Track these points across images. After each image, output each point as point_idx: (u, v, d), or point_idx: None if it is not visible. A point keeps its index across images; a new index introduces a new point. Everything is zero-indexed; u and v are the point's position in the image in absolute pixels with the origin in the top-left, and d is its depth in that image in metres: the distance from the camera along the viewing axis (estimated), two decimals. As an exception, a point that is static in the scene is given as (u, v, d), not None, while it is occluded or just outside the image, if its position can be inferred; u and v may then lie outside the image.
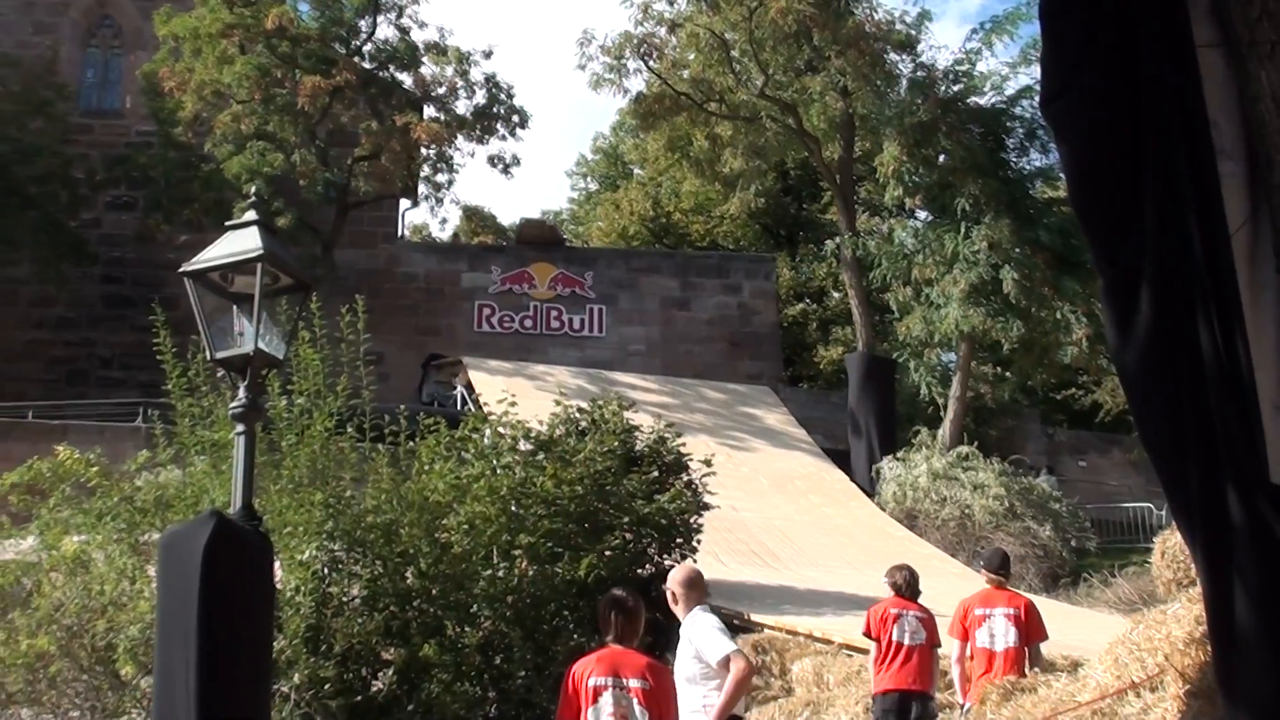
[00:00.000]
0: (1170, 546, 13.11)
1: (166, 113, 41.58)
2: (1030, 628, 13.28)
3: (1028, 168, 39.37)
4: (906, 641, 13.36)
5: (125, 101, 47.53)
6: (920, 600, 13.68)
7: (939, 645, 13.39)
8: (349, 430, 15.84)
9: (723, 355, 46.43)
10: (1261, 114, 4.68)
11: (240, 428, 9.16)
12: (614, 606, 8.97)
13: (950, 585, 23.17)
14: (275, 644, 12.07)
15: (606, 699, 8.55)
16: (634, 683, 8.53)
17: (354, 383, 16.24)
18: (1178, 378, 4.87)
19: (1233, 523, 4.75)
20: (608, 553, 16.01)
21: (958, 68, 39.87)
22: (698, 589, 10.00)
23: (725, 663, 9.33)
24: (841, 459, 38.74)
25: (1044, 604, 18.85)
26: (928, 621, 13.35)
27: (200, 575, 7.99)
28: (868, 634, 13.75)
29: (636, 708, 8.48)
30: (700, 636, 9.57)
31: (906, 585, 13.79)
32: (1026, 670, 13.01)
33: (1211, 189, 4.92)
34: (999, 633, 13.30)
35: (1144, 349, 4.99)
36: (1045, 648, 13.96)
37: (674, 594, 10.01)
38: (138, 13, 47.29)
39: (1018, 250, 34.95)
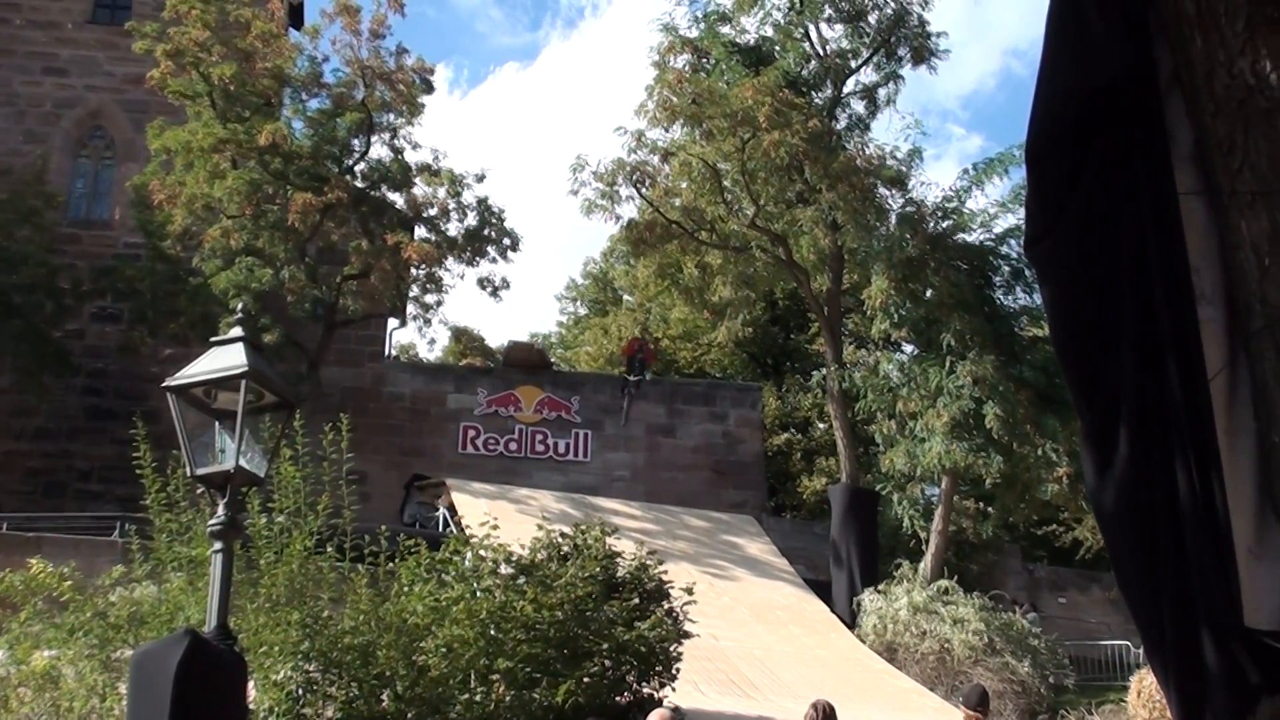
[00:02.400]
0: (1146, 686, 13.13)
1: (155, 225, 41.46)
2: None
3: (1013, 305, 39.67)
4: None
5: (114, 213, 47.72)
6: None
7: None
8: (329, 550, 15.79)
9: (707, 483, 46.38)
10: (1241, 262, 4.74)
11: (218, 545, 9.13)
12: None
13: (929, 720, 23.06)
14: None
15: None
16: None
17: (335, 502, 16.21)
18: (1154, 520, 4.90)
19: (1207, 665, 4.77)
20: (586, 679, 15.93)
21: (947, 204, 40.22)
22: None
23: None
24: (823, 590, 38.65)
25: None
26: None
27: (171, 694, 7.94)
28: None
29: None
30: None
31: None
32: None
33: (1191, 334, 4.97)
34: None
35: (1120, 491, 5.02)
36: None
37: None
38: (130, 124, 47.53)
39: (1001, 386, 35.10)
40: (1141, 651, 31.41)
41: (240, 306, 10.61)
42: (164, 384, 9.57)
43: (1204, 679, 4.82)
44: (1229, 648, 4.72)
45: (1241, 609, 4.79)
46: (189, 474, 9.64)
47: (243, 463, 9.25)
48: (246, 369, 9.23)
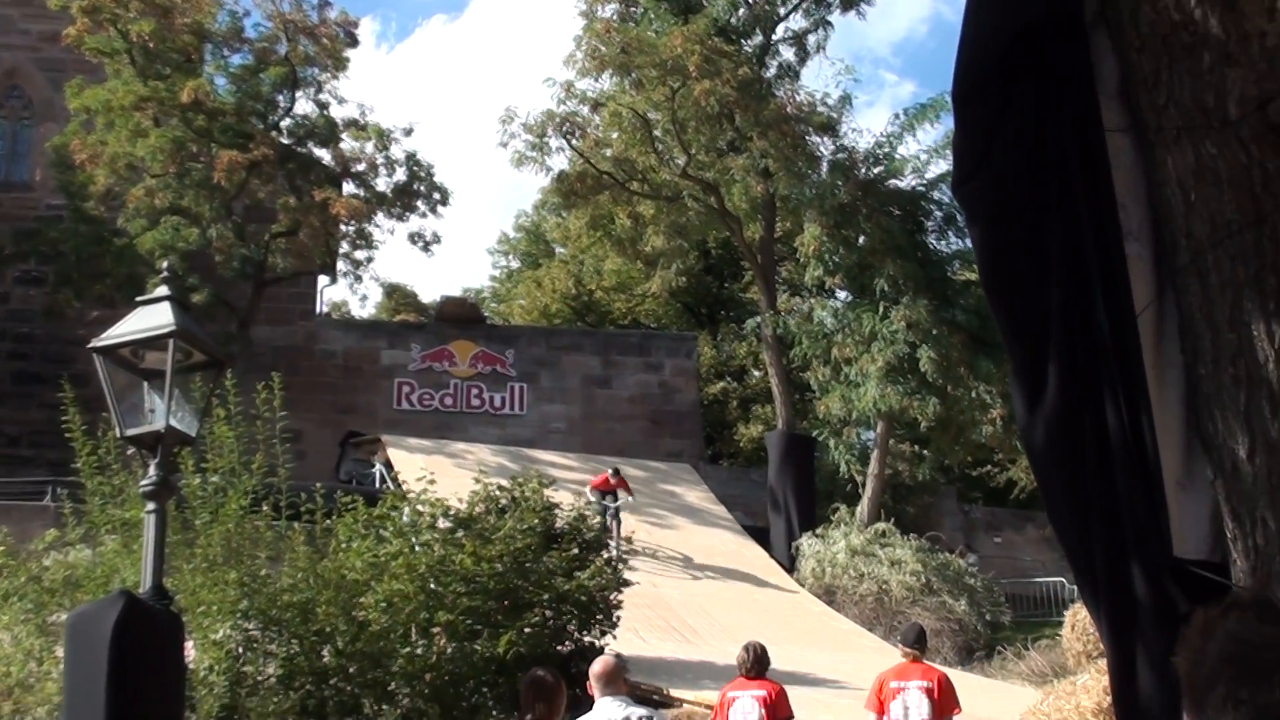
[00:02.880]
0: (1080, 620, 13.28)
1: (77, 186, 40.65)
2: (943, 701, 13.38)
3: (946, 250, 39.86)
4: None
5: (34, 174, 46.70)
6: (766, 676, 13.69)
7: (785, 719, 13.36)
8: (265, 508, 15.72)
9: (643, 433, 46.39)
10: (1167, 198, 4.76)
11: (151, 506, 9.06)
12: (534, 686, 8.99)
13: (868, 660, 23.22)
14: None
15: None
16: None
17: (270, 461, 16.12)
18: (1084, 456, 4.92)
19: (1137, 596, 4.80)
20: (527, 630, 15.95)
21: (879, 151, 40.28)
22: (603, 681, 10.01)
23: None
24: (761, 536, 38.80)
25: (959, 677, 18.94)
26: (765, 700, 13.32)
27: (109, 656, 7.90)
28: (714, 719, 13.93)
29: None
30: None
31: (746, 664, 13.80)
32: None
33: (1118, 270, 4.99)
34: (913, 706, 13.41)
35: (1050, 427, 5.04)
36: (959, 720, 14.04)
37: (589, 685, 10.06)
38: (47, 84, 46.47)
39: (935, 330, 35.27)
40: (1075, 587, 31.87)
41: (166, 266, 10.47)
42: (90, 345, 9.47)
43: (1134, 610, 4.86)
44: (1158, 578, 4.75)
45: (1170, 540, 4.83)
46: (119, 435, 9.56)
47: (173, 422, 9.17)
48: (174, 328, 9.14)
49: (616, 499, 33.19)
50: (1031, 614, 36.32)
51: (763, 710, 13.24)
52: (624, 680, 10.13)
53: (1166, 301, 4.98)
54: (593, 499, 31.46)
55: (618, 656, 11.29)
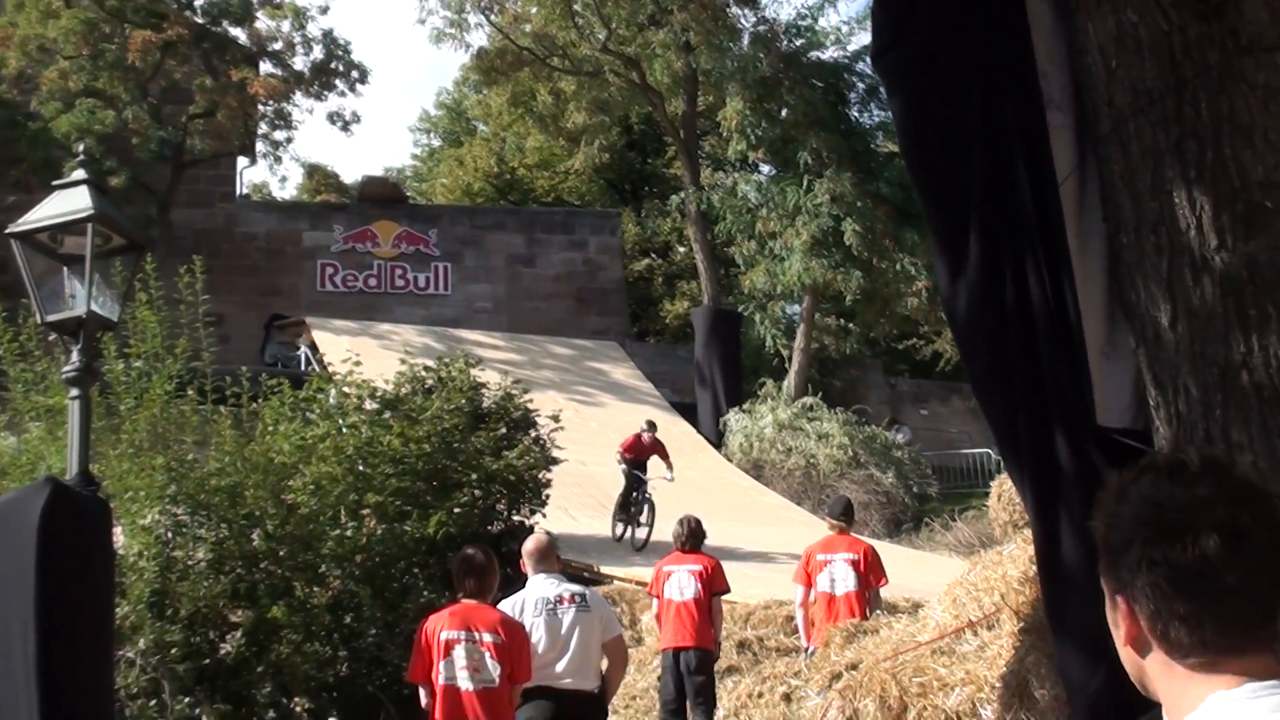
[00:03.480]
0: (1006, 490, 13.38)
1: (-11, 70, 40.04)
2: (870, 572, 13.51)
3: (869, 122, 39.89)
4: (675, 598, 13.53)
5: (-57, 59, 45.91)
6: (702, 550, 13.78)
7: (721, 593, 13.44)
8: (190, 393, 15.60)
9: (569, 311, 46.32)
10: (1089, 65, 4.75)
11: (75, 392, 8.99)
12: (465, 564, 9.04)
13: (796, 533, 23.45)
14: (118, 610, 11.91)
15: (459, 652, 8.60)
16: (486, 637, 8.58)
17: (194, 345, 15.99)
18: (1006, 325, 4.95)
19: (1060, 465, 4.85)
20: (457, 510, 15.95)
21: (800, 23, 40.11)
22: (535, 558, 10.08)
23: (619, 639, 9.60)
24: (688, 412, 38.96)
25: (886, 549, 19.14)
26: (701, 574, 13.42)
27: (37, 543, 7.85)
28: (650, 593, 14.00)
29: (488, 661, 8.54)
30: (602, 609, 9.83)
31: (681, 538, 13.91)
32: (868, 614, 13.23)
33: (1040, 139, 5.00)
34: (839, 578, 13.54)
35: (973, 298, 5.07)
36: (887, 591, 14.19)
37: (522, 563, 10.14)
38: (-46, -33, 45.77)
39: (859, 203, 35.32)
40: (1001, 458, 32.31)
41: (83, 149, 10.31)
42: (7, 231, 9.33)
43: (1058, 478, 4.91)
44: (1082, 446, 4.80)
45: (1094, 409, 4.87)
46: (40, 322, 9.44)
47: (95, 308, 9.06)
48: (92, 212, 9.01)
49: (645, 473, 26.02)
50: (958, 485, 36.70)
51: (698, 584, 13.34)
52: (556, 558, 10.20)
53: (1088, 170, 4.99)
54: (621, 468, 26.09)
55: (548, 534, 11.35)
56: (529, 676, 8.86)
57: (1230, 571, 2.24)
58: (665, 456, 26.18)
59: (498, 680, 8.53)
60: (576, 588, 10.01)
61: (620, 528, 25.43)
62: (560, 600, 9.72)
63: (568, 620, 9.64)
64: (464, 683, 8.57)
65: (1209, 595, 2.25)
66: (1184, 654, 2.30)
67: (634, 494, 25.70)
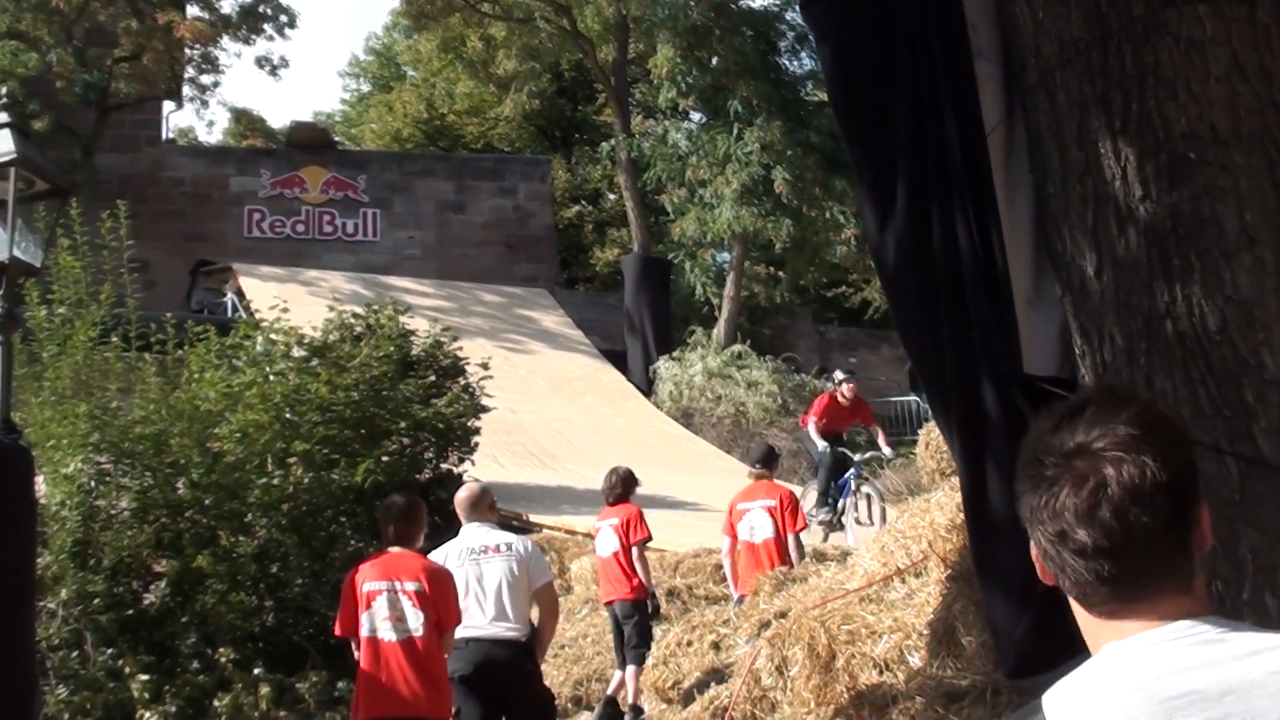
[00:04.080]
0: (933, 438, 13.47)
1: (-94, 10, 39.40)
2: (787, 518, 13.56)
3: (799, 70, 39.90)
4: (602, 553, 13.63)
5: None
6: (630, 500, 13.76)
7: (642, 542, 13.39)
8: (114, 340, 15.49)
9: (499, 258, 46.16)
10: (1016, 16, 4.77)
11: (-4, 338, 8.91)
12: (386, 511, 9.03)
13: (726, 481, 23.49)
14: (40, 560, 11.83)
15: (381, 602, 8.59)
16: (409, 585, 8.56)
17: (118, 291, 15.87)
18: (934, 273, 4.98)
19: (987, 412, 4.89)
20: (385, 458, 15.92)
21: (730, -30, 40.06)
22: (467, 507, 10.07)
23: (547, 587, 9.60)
24: (618, 360, 38.98)
25: (815, 497, 19.25)
26: (619, 527, 13.41)
27: (-43, 491, 7.77)
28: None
29: (410, 610, 8.52)
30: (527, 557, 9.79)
31: (606, 491, 13.93)
32: (790, 560, 13.30)
33: (968, 89, 5.01)
34: (757, 525, 13.62)
35: (901, 245, 5.09)
36: (813, 539, 14.25)
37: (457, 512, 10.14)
38: None
39: (789, 151, 35.37)
40: (929, 406, 32.48)
41: (5, 92, 10.19)
42: (-72, 174, 9.21)
43: (985, 426, 4.94)
44: (1008, 394, 4.83)
45: (1020, 357, 4.89)
46: (-38, 267, 9.34)
47: (17, 253, 8.97)
48: (15, 156, 8.92)
49: (852, 451, 20.91)
50: (887, 432, 36.85)
51: (618, 538, 13.37)
52: (489, 506, 10.18)
53: (1016, 120, 5.02)
54: (819, 444, 20.45)
55: (479, 483, 11.33)
56: (457, 622, 8.85)
57: (1090, 531, 2.22)
58: (873, 422, 21.89)
59: (422, 629, 8.51)
60: (505, 536, 10.00)
61: (826, 530, 19.22)
62: (486, 549, 9.71)
63: (492, 568, 9.63)
64: (386, 633, 8.56)
65: (1081, 554, 2.24)
66: (1086, 603, 2.29)
67: (840, 479, 19.73)
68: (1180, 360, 4.15)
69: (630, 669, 13.01)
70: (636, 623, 13.23)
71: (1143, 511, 2.20)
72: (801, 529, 13.68)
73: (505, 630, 9.50)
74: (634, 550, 13.27)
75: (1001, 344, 4.89)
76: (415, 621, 8.50)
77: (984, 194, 4.96)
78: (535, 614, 10.16)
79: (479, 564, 9.63)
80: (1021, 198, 4.97)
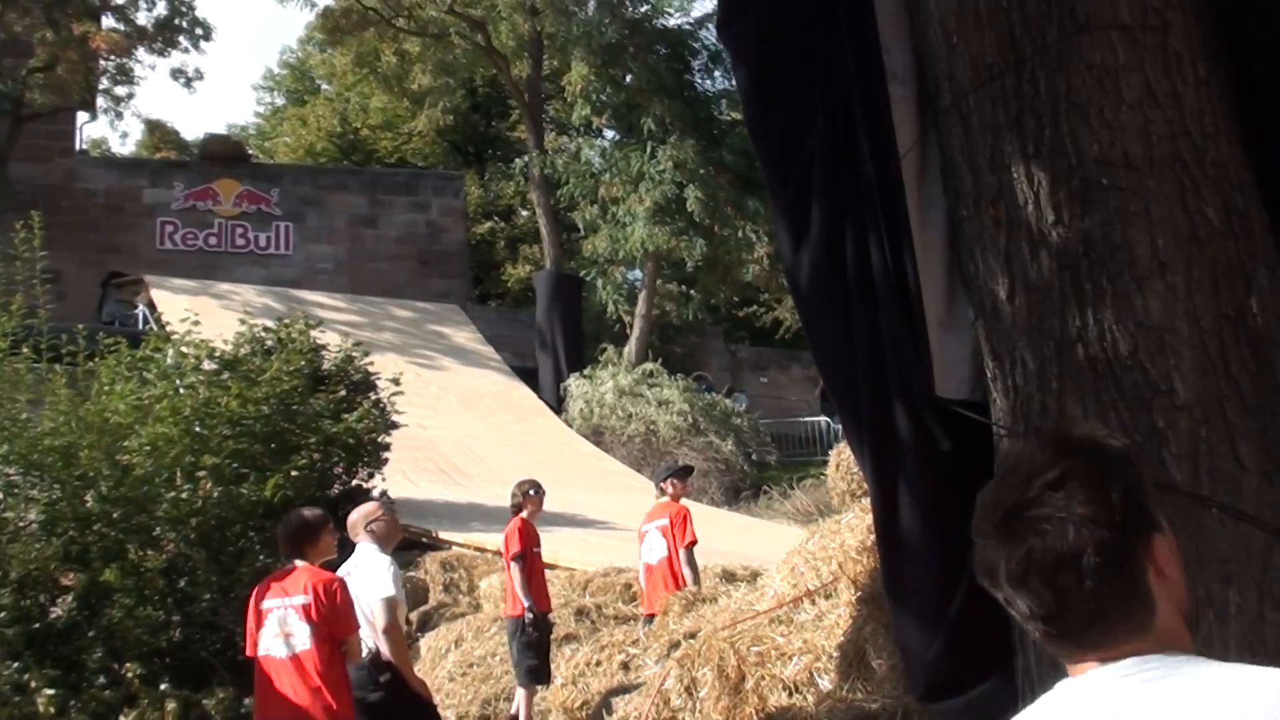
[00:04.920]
0: (844, 459, 13.51)
1: None
2: (676, 534, 13.59)
3: (712, 89, 40.03)
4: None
5: None
6: (522, 515, 13.73)
7: (515, 556, 13.23)
8: (24, 350, 15.34)
9: (411, 274, 46.07)
10: (930, 40, 4.81)
11: (-95, 348, 8.83)
12: (283, 528, 9.00)
13: (637, 500, 23.52)
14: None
15: (272, 620, 8.55)
16: (297, 600, 8.50)
17: (29, 302, 15.70)
18: (848, 294, 5.01)
19: (899, 434, 4.92)
20: (295, 473, 15.82)
21: (645, -11, 40.19)
22: (355, 529, 10.03)
23: (384, 602, 9.42)
24: (530, 376, 38.98)
25: (725, 516, 19.34)
26: (505, 542, 13.41)
27: None
28: None
29: (297, 624, 8.46)
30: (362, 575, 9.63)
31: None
32: (685, 576, 13.33)
33: (882, 112, 5.05)
34: (652, 546, 13.68)
35: (815, 266, 5.12)
36: (724, 559, 14.27)
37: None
38: None
39: (702, 170, 35.48)
40: (840, 427, 32.56)
41: (-85, 101, 10.13)
42: None
43: (897, 448, 4.98)
44: (920, 417, 4.86)
45: (932, 379, 4.94)
46: None
47: (-75, 263, 8.91)
48: (-76, 165, 8.86)
49: None
50: (797, 453, 37.04)
51: (504, 553, 13.44)
52: (363, 528, 10.05)
53: (929, 144, 5.05)
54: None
55: (384, 496, 11.23)
56: (352, 629, 8.76)
57: (1026, 598, 2.29)
58: None
59: (309, 642, 8.45)
60: (357, 559, 9.87)
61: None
62: (345, 574, 9.66)
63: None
64: (277, 650, 8.50)
65: (1026, 618, 2.31)
66: (1049, 648, 2.35)
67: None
68: (1091, 385, 4.19)
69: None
70: (514, 642, 13.21)
71: (1071, 575, 2.25)
72: (691, 544, 13.64)
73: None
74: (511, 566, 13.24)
75: (914, 366, 4.92)
76: (303, 635, 8.43)
77: (897, 216, 4.99)
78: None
79: None
80: (935, 220, 5.00)
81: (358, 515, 10.16)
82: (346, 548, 10.07)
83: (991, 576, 2.34)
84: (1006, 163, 4.40)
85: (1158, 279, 4.10)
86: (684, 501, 14.38)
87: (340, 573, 9.62)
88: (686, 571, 13.41)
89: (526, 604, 13.10)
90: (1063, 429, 2.58)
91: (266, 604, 8.62)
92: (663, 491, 14.32)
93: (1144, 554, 2.30)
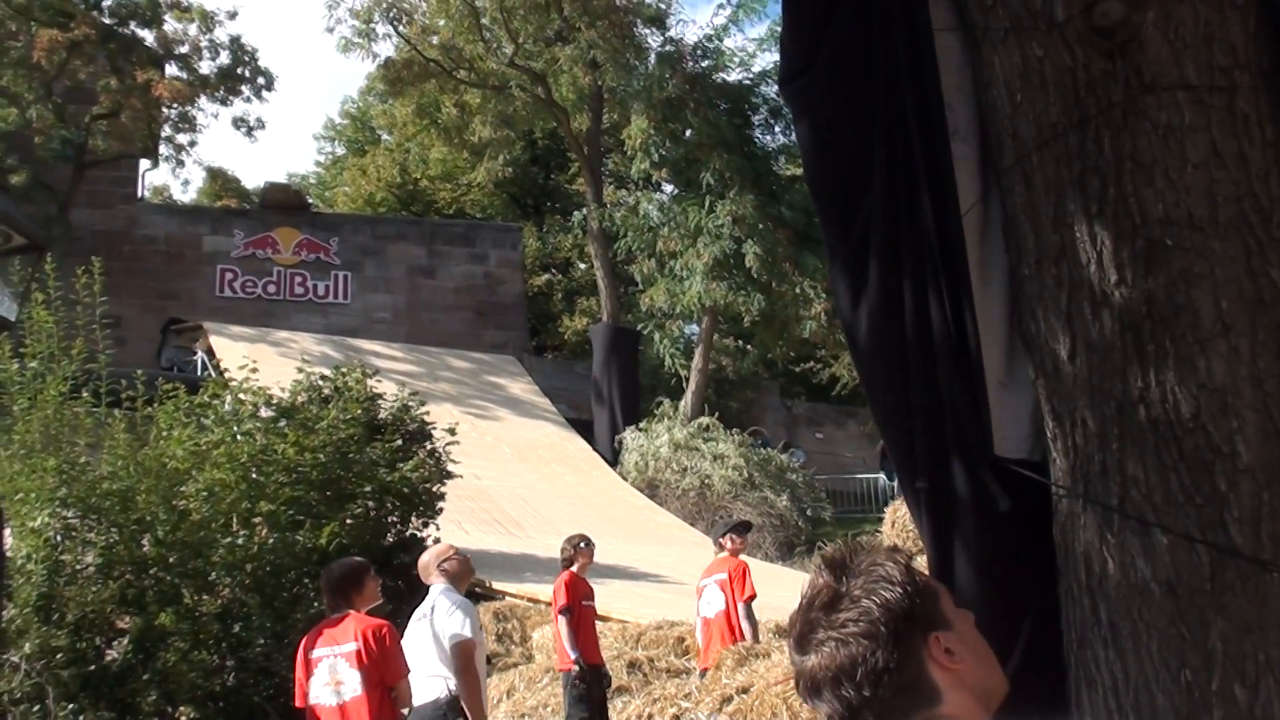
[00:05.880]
0: (900, 516, 13.47)
1: (-108, 65, 39.52)
2: (735, 589, 13.58)
3: (772, 144, 40.10)
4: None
5: None
6: (572, 569, 13.81)
7: (562, 609, 13.36)
8: (84, 395, 15.43)
9: (468, 324, 46.24)
10: (994, 99, 4.80)
11: (-32, 391, 8.92)
12: (326, 577, 9.06)
13: (689, 554, 23.49)
14: (5, 613, 11.77)
15: (322, 669, 8.59)
16: (346, 648, 8.54)
17: (90, 346, 15.81)
18: (906, 352, 4.98)
19: (957, 493, 4.88)
20: (350, 521, 15.84)
21: (706, 43, 40.29)
22: (427, 570, 10.07)
23: (456, 646, 9.41)
24: (585, 429, 38.99)
25: (779, 572, 19.25)
26: (556, 589, 13.61)
27: (-75, 542, 7.75)
28: None
29: (348, 671, 8.49)
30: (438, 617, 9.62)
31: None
32: (743, 630, 13.31)
33: (944, 169, 5.04)
34: (710, 600, 13.67)
35: (873, 323, 5.10)
36: (778, 615, 14.22)
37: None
38: None
39: (761, 225, 35.47)
40: (896, 484, 32.44)
41: (-17, 146, 10.26)
42: (-96, 226, 9.23)
43: (954, 507, 4.94)
44: (978, 476, 4.83)
45: (991, 438, 4.91)
46: (-66, 319, 9.34)
47: (-10, 307, 9.00)
48: (-9, 210, 8.96)
49: None
50: (852, 510, 36.93)
51: (554, 606, 13.54)
52: (437, 569, 10.07)
53: (991, 201, 5.03)
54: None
55: (447, 547, 11.21)
56: (402, 675, 8.78)
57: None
58: None
59: (361, 689, 8.48)
60: (435, 599, 9.89)
61: None
62: (420, 614, 9.69)
63: (418, 633, 9.59)
64: (327, 699, 8.55)
65: None
66: None
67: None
68: (1153, 446, 4.15)
69: None
70: (566, 694, 13.30)
71: (851, 685, 2.50)
72: (750, 598, 13.63)
73: (428, 693, 9.42)
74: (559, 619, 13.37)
75: (972, 425, 4.89)
76: (353, 683, 8.47)
77: (958, 274, 4.97)
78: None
79: (415, 630, 9.61)
80: (996, 279, 4.98)
81: (430, 556, 10.18)
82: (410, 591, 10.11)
83: (799, 689, 2.62)
84: (1069, 222, 4.38)
85: (1221, 341, 4.07)
86: (740, 557, 14.38)
87: (416, 615, 9.67)
88: (745, 626, 13.39)
89: (573, 656, 13.12)
90: (842, 553, 2.75)
91: (316, 653, 8.66)
92: (721, 547, 14.31)
93: (922, 652, 2.54)
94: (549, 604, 16.81)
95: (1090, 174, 4.36)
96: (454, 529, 22.78)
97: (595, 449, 37.71)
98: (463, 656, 9.41)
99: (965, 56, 5.11)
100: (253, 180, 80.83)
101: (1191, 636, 3.98)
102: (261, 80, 42.60)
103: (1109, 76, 4.35)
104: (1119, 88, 4.34)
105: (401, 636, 9.03)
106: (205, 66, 41.91)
